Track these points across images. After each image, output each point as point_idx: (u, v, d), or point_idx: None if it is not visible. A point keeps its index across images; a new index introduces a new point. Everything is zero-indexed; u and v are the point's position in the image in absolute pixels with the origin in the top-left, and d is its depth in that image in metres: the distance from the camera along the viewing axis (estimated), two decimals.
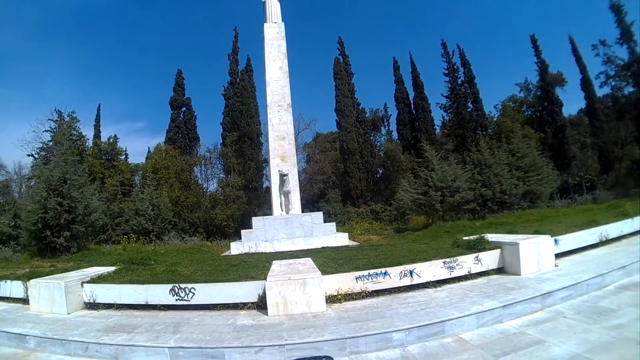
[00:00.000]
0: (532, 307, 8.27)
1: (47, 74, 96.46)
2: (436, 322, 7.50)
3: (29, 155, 40.86)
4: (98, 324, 9.09)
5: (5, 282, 12.02)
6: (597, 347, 6.16)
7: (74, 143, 39.15)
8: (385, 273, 10.16)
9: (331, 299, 9.60)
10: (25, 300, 11.18)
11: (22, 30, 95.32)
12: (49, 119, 41.27)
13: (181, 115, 45.72)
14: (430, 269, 10.45)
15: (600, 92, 45.62)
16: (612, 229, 13.62)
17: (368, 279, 10.06)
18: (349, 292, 9.88)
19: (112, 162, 40.95)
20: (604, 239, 13.16)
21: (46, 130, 41.09)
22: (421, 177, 24.80)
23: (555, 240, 11.77)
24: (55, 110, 41.56)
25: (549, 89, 45.11)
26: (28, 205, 20.01)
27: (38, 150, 40.34)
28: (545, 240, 11.26)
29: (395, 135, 51.60)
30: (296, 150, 26.46)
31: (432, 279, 10.40)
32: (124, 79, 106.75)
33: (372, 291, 10.02)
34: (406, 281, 10.22)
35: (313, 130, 53.13)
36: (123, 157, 44.44)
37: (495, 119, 48.96)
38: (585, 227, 13.64)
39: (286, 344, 7.08)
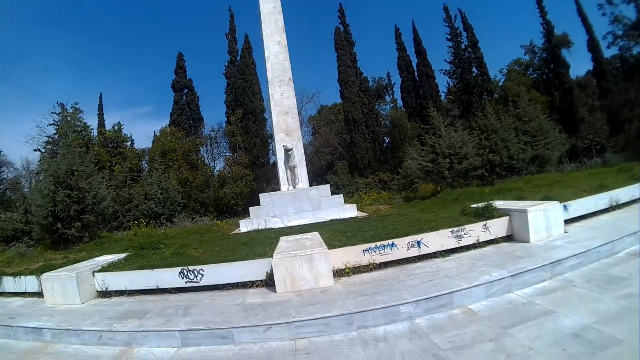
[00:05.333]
0: (541, 276, 8.13)
1: (47, 68, 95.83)
2: (444, 294, 7.43)
3: (35, 150, 41.91)
4: (111, 312, 9.19)
5: (20, 277, 12.15)
6: (607, 317, 6.03)
7: (79, 134, 39.48)
8: (393, 244, 10.09)
9: (339, 273, 9.61)
10: (40, 294, 11.28)
11: (17, 26, 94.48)
12: (52, 112, 41.99)
13: (184, 97, 45.68)
14: (438, 239, 10.36)
15: (607, 53, 45.00)
16: (623, 193, 13.24)
17: (375, 251, 10.01)
18: (356, 265, 9.85)
19: (118, 150, 41.02)
20: (614, 204, 12.82)
21: (50, 124, 41.88)
22: (428, 144, 24.56)
23: (565, 206, 11.50)
24: (57, 103, 41.91)
25: (555, 50, 44.19)
26: (37, 199, 20.08)
27: (44, 145, 41.09)
28: (554, 206, 11.00)
29: (400, 103, 51.05)
30: (300, 123, 26.28)
31: (440, 249, 10.32)
32: (125, 65, 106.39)
33: (380, 263, 9.99)
34: (414, 252, 10.15)
35: (317, 102, 53.21)
36: (129, 143, 44.60)
37: (500, 83, 48.25)
38: (595, 191, 13.28)
39: (294, 321, 7.11)
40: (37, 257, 17.02)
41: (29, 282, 11.89)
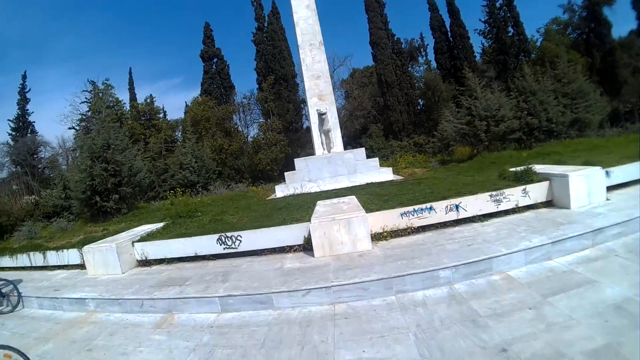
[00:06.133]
0: (582, 244, 7.79)
1: (75, 47, 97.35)
2: (483, 259, 7.27)
3: (70, 129, 43.38)
4: (151, 280, 9.47)
5: (62, 251, 12.65)
6: None
7: (112, 109, 40.13)
8: (431, 208, 9.93)
9: (377, 237, 9.55)
10: (82, 266, 11.74)
11: (47, 8, 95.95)
12: (83, 91, 43.03)
13: (213, 67, 45.77)
14: (476, 203, 10.10)
15: None
16: None
17: (413, 215, 9.88)
18: (394, 229, 9.77)
19: (151, 122, 41.80)
20: None
21: (83, 102, 42.91)
22: (464, 107, 23.91)
23: (607, 172, 10.87)
24: (88, 80, 42.90)
25: (596, 8, 41.65)
26: (75, 175, 20.65)
27: (78, 122, 42.38)
28: (596, 171, 10.43)
29: (433, 64, 49.53)
30: (333, 87, 25.87)
31: (479, 213, 10.07)
32: (152, 38, 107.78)
33: (418, 227, 9.85)
34: (452, 216, 9.96)
35: (349, 66, 52.17)
36: (161, 115, 45.30)
37: (538, 44, 46.06)
38: (638, 158, 12.50)
39: (332, 286, 7.13)
40: (77, 230, 17.61)
41: (71, 255, 12.39)
